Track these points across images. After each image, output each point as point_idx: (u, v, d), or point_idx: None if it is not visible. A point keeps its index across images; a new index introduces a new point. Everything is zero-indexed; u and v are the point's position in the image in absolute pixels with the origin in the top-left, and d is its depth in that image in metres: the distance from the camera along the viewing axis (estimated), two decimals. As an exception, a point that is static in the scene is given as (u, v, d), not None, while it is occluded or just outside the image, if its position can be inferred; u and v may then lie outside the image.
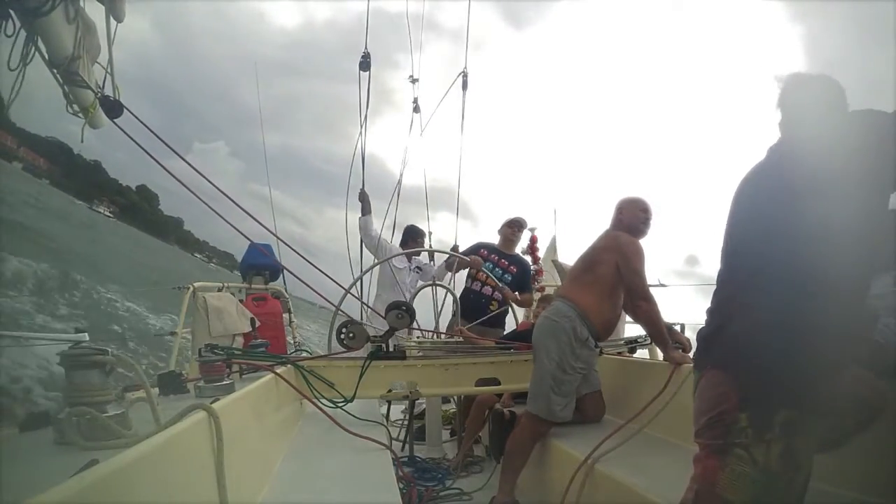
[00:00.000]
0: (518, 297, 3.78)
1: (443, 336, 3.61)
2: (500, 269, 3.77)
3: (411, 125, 4.54)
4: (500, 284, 3.66)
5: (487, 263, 3.76)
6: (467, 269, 3.87)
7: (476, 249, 3.90)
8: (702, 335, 1.24)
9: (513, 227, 3.89)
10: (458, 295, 3.79)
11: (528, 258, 4.36)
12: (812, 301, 1.04)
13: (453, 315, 3.76)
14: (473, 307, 3.68)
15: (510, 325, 3.82)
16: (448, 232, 4.25)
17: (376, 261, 3.95)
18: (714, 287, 1.26)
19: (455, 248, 4.09)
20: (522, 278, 3.85)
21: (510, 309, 3.82)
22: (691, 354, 2.09)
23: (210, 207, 2.42)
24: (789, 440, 1.01)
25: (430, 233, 4.32)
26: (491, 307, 3.74)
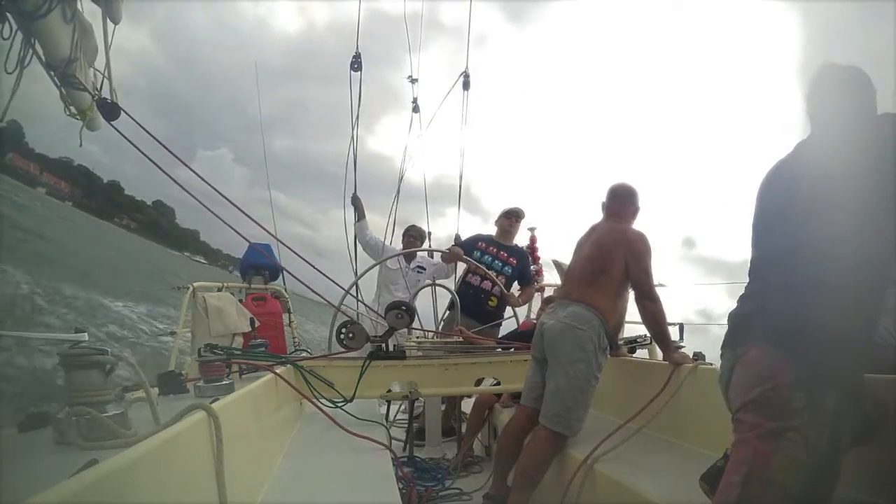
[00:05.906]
0: (517, 297, 3.75)
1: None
2: (500, 261, 3.71)
3: (411, 125, 4.54)
4: (500, 286, 3.60)
5: (486, 256, 3.70)
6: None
7: (474, 241, 3.83)
8: (738, 314, 1.23)
9: (510, 218, 3.81)
10: (455, 290, 3.72)
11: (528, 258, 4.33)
12: (855, 285, 1.05)
13: (448, 310, 3.72)
14: (472, 302, 3.63)
15: (511, 324, 3.80)
16: (453, 227, 4.22)
17: (373, 262, 3.93)
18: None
19: (457, 239, 4.01)
20: (523, 270, 3.80)
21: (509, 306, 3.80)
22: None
23: (208, 209, 2.42)
24: (839, 422, 1.02)
25: (429, 233, 4.30)
26: (490, 302, 3.69)
